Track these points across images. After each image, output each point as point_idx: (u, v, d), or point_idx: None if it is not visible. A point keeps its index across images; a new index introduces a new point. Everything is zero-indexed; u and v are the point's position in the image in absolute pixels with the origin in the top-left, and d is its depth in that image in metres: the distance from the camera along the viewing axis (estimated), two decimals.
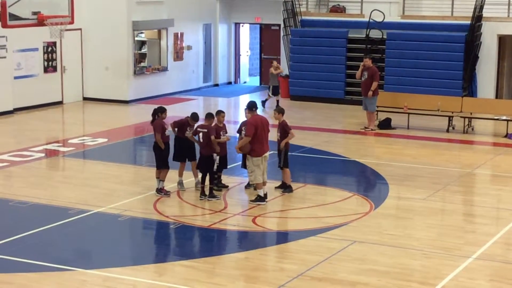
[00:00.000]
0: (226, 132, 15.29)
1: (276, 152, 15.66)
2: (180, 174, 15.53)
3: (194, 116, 15.13)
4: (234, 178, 16.32)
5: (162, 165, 15.14)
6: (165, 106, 15.57)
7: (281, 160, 15.38)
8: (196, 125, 15.10)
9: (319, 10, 28.03)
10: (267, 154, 14.91)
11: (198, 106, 25.54)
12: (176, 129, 15.37)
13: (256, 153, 14.69)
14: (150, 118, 15.32)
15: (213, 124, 14.99)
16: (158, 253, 12.60)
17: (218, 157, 14.85)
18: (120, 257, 12.18)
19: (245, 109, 15.21)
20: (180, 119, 15.49)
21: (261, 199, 14.71)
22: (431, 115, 22.24)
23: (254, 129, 14.57)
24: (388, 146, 20.19)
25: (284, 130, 15.40)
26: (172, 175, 15.81)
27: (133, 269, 11.50)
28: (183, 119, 15.42)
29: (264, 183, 14.86)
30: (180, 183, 15.51)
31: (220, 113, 15.26)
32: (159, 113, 15.09)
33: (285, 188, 15.49)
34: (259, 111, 15.75)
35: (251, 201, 14.80)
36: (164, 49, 27.29)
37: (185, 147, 15.22)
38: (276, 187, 15.51)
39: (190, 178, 15.62)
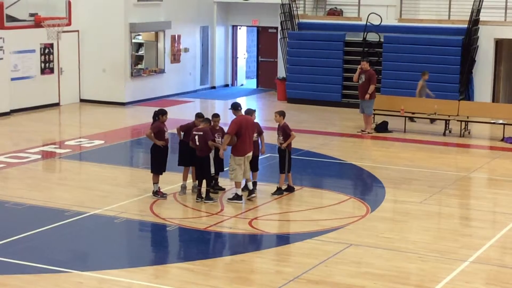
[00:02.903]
0: (223, 135, 15.28)
1: (278, 155, 15.65)
2: (184, 178, 15.48)
3: (200, 114, 15.11)
4: (229, 180, 16.27)
5: (154, 169, 15.08)
6: (165, 109, 15.48)
7: (286, 165, 15.38)
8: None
9: (316, 13, 28.05)
10: (249, 154, 15.00)
11: (195, 108, 25.52)
12: (182, 133, 15.33)
13: (238, 153, 14.83)
14: (147, 120, 15.32)
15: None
16: (154, 255, 12.60)
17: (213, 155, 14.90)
18: (116, 259, 12.17)
19: (229, 109, 15.35)
20: (187, 124, 15.43)
21: (239, 197, 14.84)
22: (428, 119, 22.24)
23: (237, 128, 14.69)
24: (385, 149, 20.21)
25: (286, 132, 15.42)
26: (173, 177, 15.82)
27: (129, 271, 11.48)
28: (189, 123, 15.36)
29: (247, 180, 15.05)
30: (183, 187, 15.46)
31: (214, 117, 15.29)
32: (159, 115, 15.05)
33: (275, 191, 15.48)
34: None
35: (228, 199, 14.93)
36: (161, 51, 27.28)
37: (190, 152, 15.10)
38: (284, 190, 15.47)
39: (188, 180, 15.58)
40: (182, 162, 15.42)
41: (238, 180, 14.87)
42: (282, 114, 15.57)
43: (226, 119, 23.46)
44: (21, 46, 23.85)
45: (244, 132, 14.79)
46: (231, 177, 14.96)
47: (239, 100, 27.45)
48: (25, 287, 10.86)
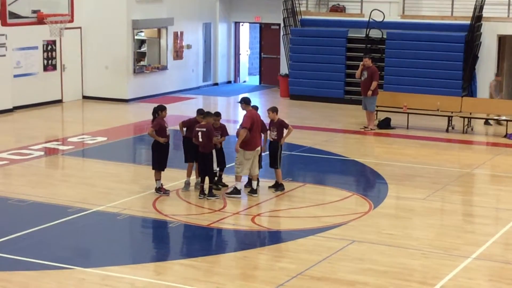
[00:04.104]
0: (224, 133, 15.26)
1: (274, 150, 15.64)
2: (188, 175, 15.47)
3: (201, 111, 15.10)
4: (234, 177, 16.27)
5: (156, 166, 15.06)
6: (165, 105, 15.49)
7: (278, 160, 15.39)
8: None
9: (319, 10, 28.02)
10: (259, 148, 15.05)
11: (197, 105, 25.45)
12: (184, 129, 15.33)
13: (250, 147, 14.84)
14: (150, 117, 15.29)
15: None
16: (157, 251, 12.60)
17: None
18: (119, 256, 12.18)
19: (241, 103, 15.31)
20: (189, 119, 15.42)
21: (238, 191, 14.84)
22: (430, 115, 22.24)
23: (251, 122, 14.71)
24: (388, 145, 20.19)
25: (282, 127, 15.41)
26: (175, 174, 15.82)
27: (131, 268, 11.49)
28: (192, 118, 15.34)
29: (254, 177, 15.04)
30: (187, 184, 15.44)
31: (216, 115, 15.24)
32: (159, 111, 15.03)
33: (277, 187, 15.48)
34: None
35: (226, 193, 14.96)
36: (164, 48, 27.28)
37: (194, 148, 15.09)
38: (269, 187, 15.51)
39: (191, 177, 15.57)
40: (187, 159, 15.40)
41: (242, 174, 14.88)
42: (275, 110, 15.56)
43: (229, 115, 23.54)
44: (24, 43, 23.85)
45: (256, 127, 14.86)
46: (238, 171, 14.94)
47: (242, 97, 27.44)
48: (28, 283, 10.87)
